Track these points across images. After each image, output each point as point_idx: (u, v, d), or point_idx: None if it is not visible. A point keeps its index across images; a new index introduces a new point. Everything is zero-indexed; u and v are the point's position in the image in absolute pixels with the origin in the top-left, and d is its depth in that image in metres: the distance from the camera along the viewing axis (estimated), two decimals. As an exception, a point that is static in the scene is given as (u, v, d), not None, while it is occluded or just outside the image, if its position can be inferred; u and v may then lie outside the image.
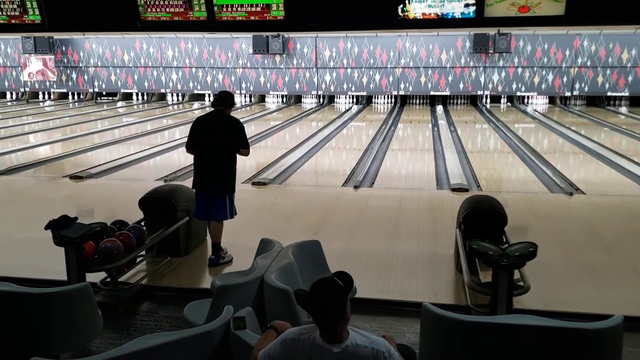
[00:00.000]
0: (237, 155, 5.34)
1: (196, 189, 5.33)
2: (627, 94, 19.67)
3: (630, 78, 19.40)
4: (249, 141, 5.38)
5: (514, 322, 2.95)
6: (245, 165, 9.24)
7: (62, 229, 4.22)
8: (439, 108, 19.72)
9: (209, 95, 21.68)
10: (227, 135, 5.23)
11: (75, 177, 9.12)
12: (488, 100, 20.69)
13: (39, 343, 3.35)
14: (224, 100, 5.27)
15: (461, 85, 20.22)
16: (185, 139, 5.46)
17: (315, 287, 2.33)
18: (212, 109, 5.33)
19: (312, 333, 2.35)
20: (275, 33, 19.47)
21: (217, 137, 5.21)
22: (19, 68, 22.69)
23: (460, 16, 6.66)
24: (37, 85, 23.02)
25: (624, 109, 19.61)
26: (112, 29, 11.51)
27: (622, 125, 15.49)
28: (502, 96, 20.73)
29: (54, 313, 3.37)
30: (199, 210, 5.35)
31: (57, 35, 21.52)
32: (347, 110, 19.70)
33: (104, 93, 23.16)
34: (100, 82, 22.55)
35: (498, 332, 2.92)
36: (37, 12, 7.49)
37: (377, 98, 21.31)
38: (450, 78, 20.17)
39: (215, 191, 5.25)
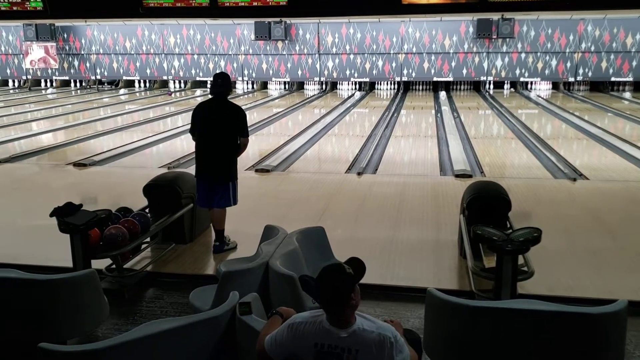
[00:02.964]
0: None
1: (199, 177, 5.30)
2: (631, 79, 19.58)
3: (634, 63, 19.28)
4: (249, 130, 5.34)
5: (517, 307, 2.96)
6: (248, 152, 9.18)
7: (68, 216, 4.23)
8: (442, 94, 19.65)
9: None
10: (229, 122, 5.18)
11: (78, 164, 9.14)
12: (491, 86, 20.62)
13: (45, 329, 3.38)
14: (223, 85, 5.17)
15: (464, 71, 20.13)
16: (189, 126, 5.49)
17: (323, 273, 2.33)
18: (212, 96, 5.25)
19: (319, 317, 2.36)
20: (278, 19, 19.36)
21: (219, 125, 5.16)
22: (21, 55, 22.65)
23: (464, 0, 6.60)
24: (39, 73, 23.00)
25: (627, 94, 19.52)
26: (114, 16, 11.41)
27: (625, 111, 15.42)
28: (506, 82, 20.67)
29: (60, 299, 3.39)
30: (201, 198, 5.34)
31: (59, 23, 21.45)
32: (349, 97, 19.64)
33: (105, 82, 23.14)
34: (102, 70, 22.50)
35: (502, 316, 2.94)
36: (38, -2, 7.45)
37: (380, 84, 21.25)
38: (453, 64, 20.07)
39: (219, 179, 5.23)
